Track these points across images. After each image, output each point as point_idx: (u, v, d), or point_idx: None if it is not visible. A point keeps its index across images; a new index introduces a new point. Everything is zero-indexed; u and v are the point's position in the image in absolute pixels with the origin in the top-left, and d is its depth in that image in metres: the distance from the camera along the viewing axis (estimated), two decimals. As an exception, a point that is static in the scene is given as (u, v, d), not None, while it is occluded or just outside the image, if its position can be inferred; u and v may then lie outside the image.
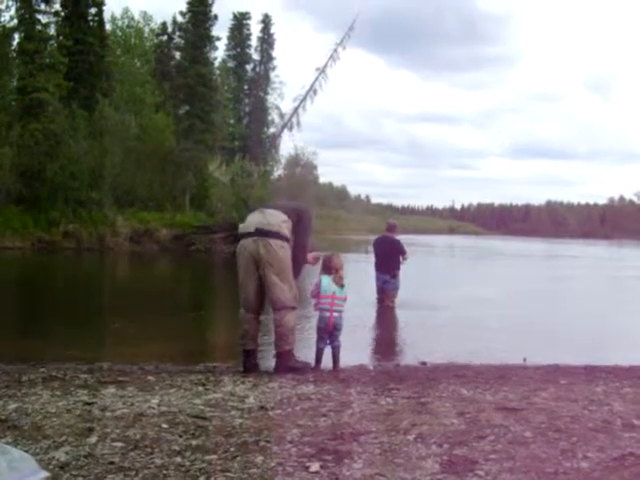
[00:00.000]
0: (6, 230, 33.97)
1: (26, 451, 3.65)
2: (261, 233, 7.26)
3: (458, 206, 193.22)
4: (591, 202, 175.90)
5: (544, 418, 5.18)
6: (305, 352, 8.05)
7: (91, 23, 43.68)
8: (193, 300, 17.29)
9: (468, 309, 14.58)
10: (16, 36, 40.50)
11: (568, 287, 22.17)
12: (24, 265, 28.45)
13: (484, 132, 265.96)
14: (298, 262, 7.58)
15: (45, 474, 3.30)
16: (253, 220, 7.48)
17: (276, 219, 7.38)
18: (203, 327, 12.36)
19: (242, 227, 7.55)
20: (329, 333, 7.57)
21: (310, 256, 7.81)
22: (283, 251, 7.29)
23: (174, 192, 42.17)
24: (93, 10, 44.05)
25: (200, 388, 6.15)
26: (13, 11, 39.41)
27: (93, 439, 4.35)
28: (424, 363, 8.30)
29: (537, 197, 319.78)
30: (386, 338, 11.25)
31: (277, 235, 7.28)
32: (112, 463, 3.89)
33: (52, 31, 41.50)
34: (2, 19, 39.35)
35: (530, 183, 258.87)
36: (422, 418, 5.10)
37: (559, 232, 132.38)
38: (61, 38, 41.51)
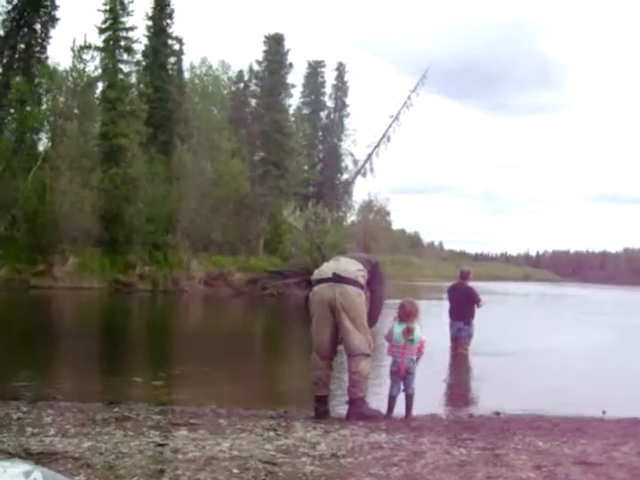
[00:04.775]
0: (85, 271, 34.90)
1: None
2: (338, 279, 7.27)
3: (533, 253, 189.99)
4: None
5: (626, 474, 4.98)
6: (377, 399, 7.95)
7: (170, 72, 45.27)
8: (265, 344, 17.34)
9: (544, 358, 14.22)
10: (100, 84, 42.11)
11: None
12: (101, 306, 29.04)
13: (558, 177, 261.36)
14: (375, 313, 7.57)
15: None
16: (329, 266, 7.51)
17: (352, 267, 7.41)
18: (275, 371, 12.37)
19: (317, 273, 7.57)
20: (402, 377, 7.50)
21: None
22: (359, 298, 7.29)
23: (248, 236, 42.69)
24: (172, 59, 45.79)
25: (271, 433, 6.11)
26: (98, 61, 41.07)
27: (164, 481, 4.35)
28: (498, 413, 8.11)
29: (614, 243, 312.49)
30: (459, 386, 11.07)
31: (354, 282, 7.29)
32: (183, 506, 3.88)
33: (133, 79, 43.08)
34: (87, 69, 40.93)
35: (606, 229, 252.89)
36: (497, 470, 4.96)
37: (637, 279, 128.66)
38: (142, 86, 42.98)
